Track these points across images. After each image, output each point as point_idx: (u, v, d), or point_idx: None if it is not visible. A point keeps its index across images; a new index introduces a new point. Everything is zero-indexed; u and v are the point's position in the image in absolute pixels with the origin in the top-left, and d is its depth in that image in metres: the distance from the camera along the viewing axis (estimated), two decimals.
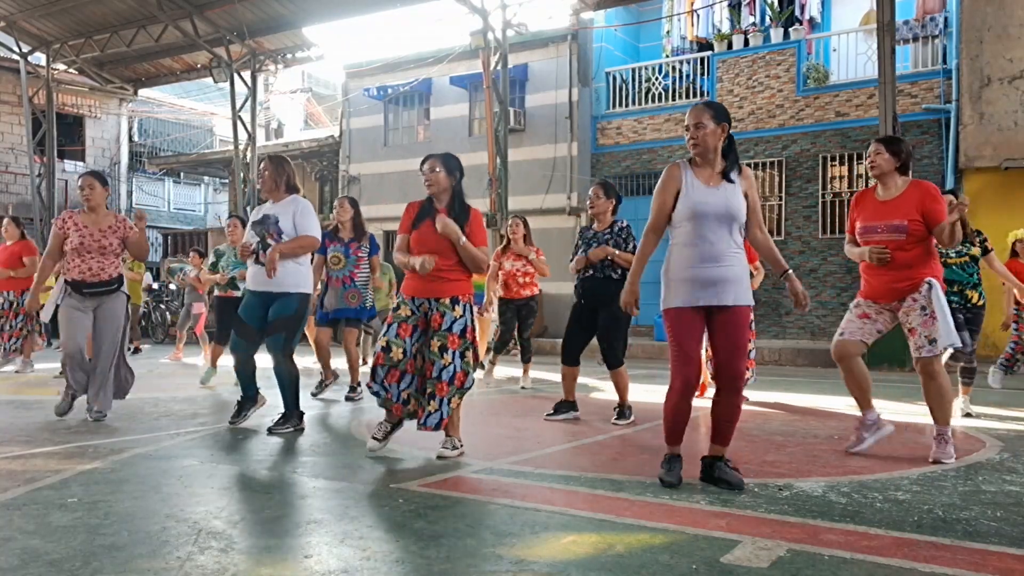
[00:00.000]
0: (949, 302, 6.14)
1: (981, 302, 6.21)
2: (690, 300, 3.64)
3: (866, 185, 13.45)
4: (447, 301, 4.30)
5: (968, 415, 6.15)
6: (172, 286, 16.36)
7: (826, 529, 3.01)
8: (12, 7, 16.68)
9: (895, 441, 5.21)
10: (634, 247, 5.66)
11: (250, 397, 5.45)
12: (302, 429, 5.26)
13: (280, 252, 5.07)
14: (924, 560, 2.65)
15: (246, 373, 5.37)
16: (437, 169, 4.41)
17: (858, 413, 4.71)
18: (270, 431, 5.15)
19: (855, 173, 13.60)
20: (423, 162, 4.47)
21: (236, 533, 2.93)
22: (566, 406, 5.97)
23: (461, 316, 4.30)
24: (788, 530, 2.99)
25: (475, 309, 4.51)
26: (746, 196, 3.71)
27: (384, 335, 4.34)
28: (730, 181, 3.69)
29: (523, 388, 7.95)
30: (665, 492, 3.59)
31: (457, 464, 4.19)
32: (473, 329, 4.36)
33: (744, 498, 3.47)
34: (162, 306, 16.30)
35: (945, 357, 4.54)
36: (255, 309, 5.20)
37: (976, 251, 6.18)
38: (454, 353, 4.24)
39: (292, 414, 5.26)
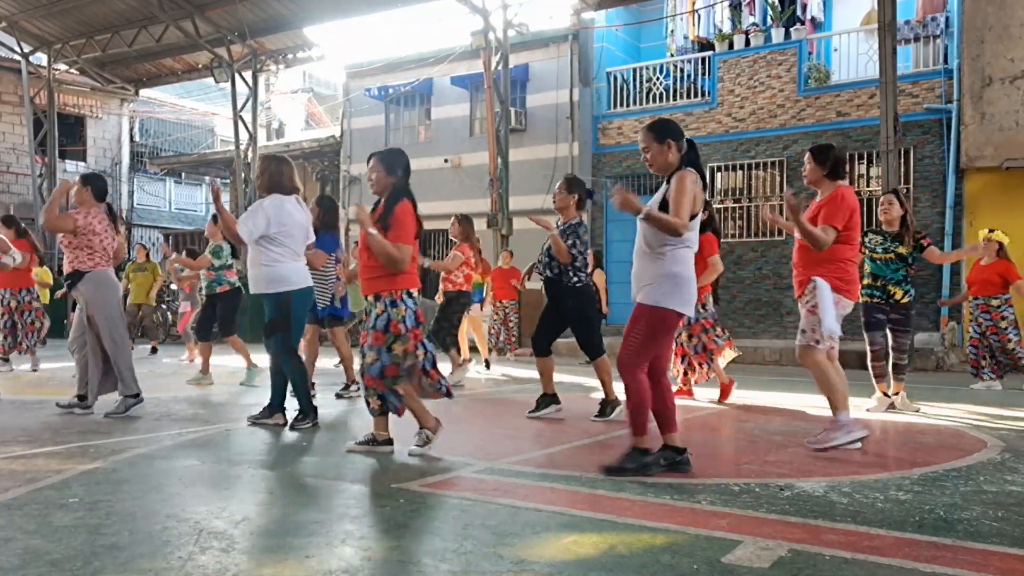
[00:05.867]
0: (871, 296, 6.23)
1: (906, 300, 6.25)
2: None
3: (867, 186, 13.48)
4: (371, 298, 4.37)
5: (893, 407, 6.30)
6: (172, 286, 16.36)
7: (827, 529, 3.01)
8: (13, 7, 16.70)
9: (895, 442, 5.21)
10: (574, 243, 5.68)
11: (277, 405, 5.38)
12: (318, 425, 5.31)
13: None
14: (925, 560, 2.64)
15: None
16: (376, 171, 4.46)
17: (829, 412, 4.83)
18: (292, 427, 5.23)
19: (856, 173, 13.57)
20: (368, 159, 4.57)
21: (237, 533, 2.93)
22: (547, 400, 5.98)
23: (383, 312, 4.28)
24: (789, 530, 2.99)
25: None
26: (665, 198, 3.88)
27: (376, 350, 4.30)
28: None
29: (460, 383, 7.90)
30: (666, 492, 3.58)
31: (457, 464, 4.19)
32: (402, 322, 4.25)
33: (745, 498, 3.47)
34: (163, 306, 16.29)
35: (824, 347, 4.65)
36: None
37: (903, 249, 6.21)
38: (378, 349, 4.24)
39: (308, 410, 5.31)
